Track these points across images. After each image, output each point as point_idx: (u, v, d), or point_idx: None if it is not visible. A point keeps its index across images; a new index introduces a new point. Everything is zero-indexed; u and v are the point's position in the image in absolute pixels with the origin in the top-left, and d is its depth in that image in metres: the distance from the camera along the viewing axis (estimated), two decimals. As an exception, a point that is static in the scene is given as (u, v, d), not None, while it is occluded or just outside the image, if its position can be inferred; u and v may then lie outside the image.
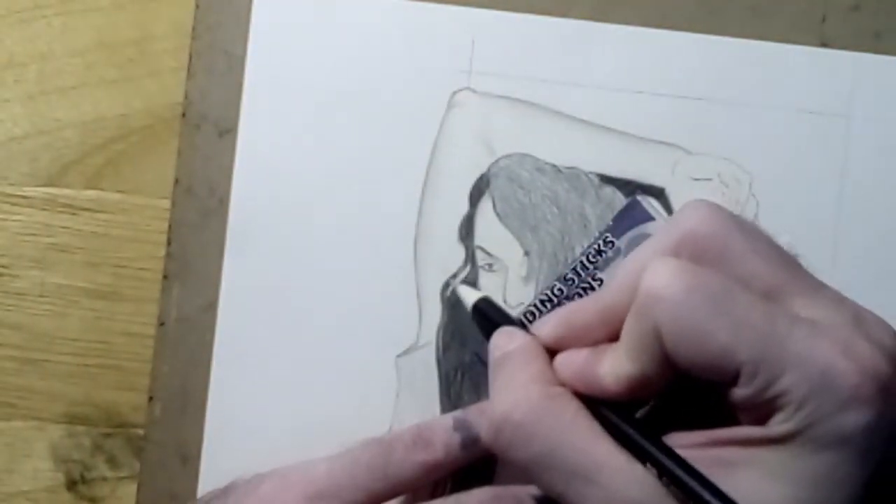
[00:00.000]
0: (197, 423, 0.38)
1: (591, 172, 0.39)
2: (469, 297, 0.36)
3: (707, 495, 0.26)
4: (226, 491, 0.34)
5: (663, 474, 0.27)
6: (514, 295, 0.39)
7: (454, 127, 0.39)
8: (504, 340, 0.32)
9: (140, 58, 0.40)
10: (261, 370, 0.38)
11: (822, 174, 0.39)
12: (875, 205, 0.39)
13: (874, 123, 0.39)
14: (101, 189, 0.40)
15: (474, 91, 0.39)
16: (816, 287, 0.29)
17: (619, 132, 0.39)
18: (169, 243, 0.39)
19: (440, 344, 0.39)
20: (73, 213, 0.40)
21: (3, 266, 0.39)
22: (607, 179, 0.39)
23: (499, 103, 0.39)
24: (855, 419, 0.26)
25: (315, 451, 0.38)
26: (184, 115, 0.40)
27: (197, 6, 0.40)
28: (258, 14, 0.40)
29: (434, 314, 0.39)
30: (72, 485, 0.39)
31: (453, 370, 0.39)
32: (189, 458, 0.38)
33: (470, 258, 0.39)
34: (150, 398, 0.39)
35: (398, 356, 0.39)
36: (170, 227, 0.39)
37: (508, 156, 0.39)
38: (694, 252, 0.29)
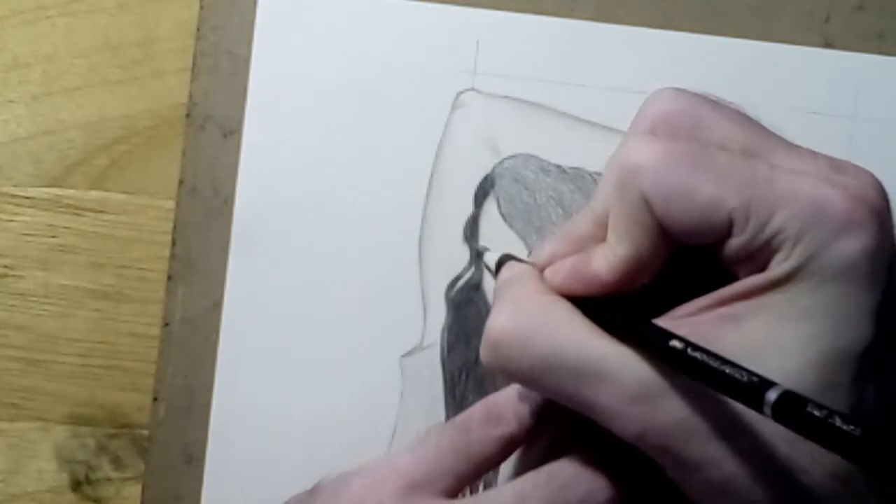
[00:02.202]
0: (202, 423, 0.38)
1: (595, 173, 0.39)
2: (491, 259, 0.35)
3: (710, 361, 0.26)
4: (312, 493, 0.33)
5: (661, 357, 0.27)
6: (518, 295, 0.39)
7: (459, 128, 0.39)
8: (505, 271, 0.33)
9: (144, 58, 0.40)
10: (265, 371, 0.38)
11: (826, 175, 0.39)
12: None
13: (878, 124, 0.39)
14: (106, 190, 0.40)
15: (479, 92, 0.39)
16: (790, 144, 0.29)
17: (623, 133, 0.39)
18: (173, 244, 0.39)
19: (445, 344, 0.39)
20: (78, 214, 0.40)
21: (7, 267, 0.39)
22: (612, 180, 0.39)
23: (503, 104, 0.39)
24: (853, 244, 0.26)
25: (320, 451, 0.38)
26: (188, 115, 0.40)
27: (201, 7, 0.40)
28: (262, 15, 0.40)
29: (439, 315, 0.39)
30: (76, 485, 0.39)
31: (458, 371, 0.39)
32: (194, 459, 0.38)
33: (475, 259, 0.39)
34: (155, 399, 0.39)
35: (403, 357, 0.39)
36: (174, 227, 0.39)
37: (513, 156, 0.39)
38: (668, 131, 0.29)
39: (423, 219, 0.39)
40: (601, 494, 0.29)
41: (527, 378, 0.29)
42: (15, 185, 0.40)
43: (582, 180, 0.39)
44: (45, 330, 0.39)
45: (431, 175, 0.39)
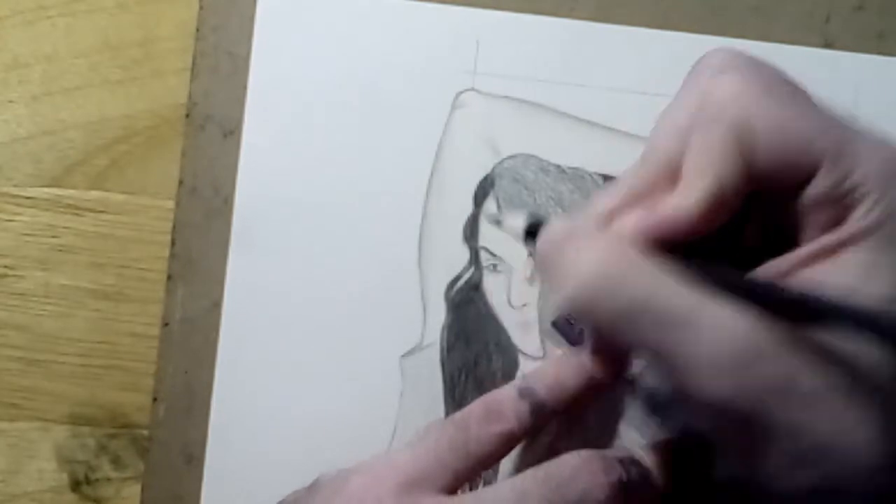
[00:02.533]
0: (201, 423, 0.38)
1: (594, 173, 0.39)
2: (517, 224, 0.31)
3: (820, 304, 0.24)
4: (311, 490, 0.33)
5: (762, 307, 0.25)
6: (518, 296, 0.39)
7: (458, 128, 0.39)
8: (551, 231, 0.29)
9: (144, 59, 0.40)
10: (265, 370, 0.38)
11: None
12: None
13: (878, 124, 0.39)
14: (106, 190, 0.40)
15: (479, 92, 0.39)
16: None
17: (622, 133, 0.39)
18: (173, 244, 0.39)
19: (444, 344, 0.39)
20: (78, 214, 0.40)
21: (7, 267, 0.39)
22: (611, 180, 0.39)
23: (503, 104, 0.39)
24: None
25: (320, 451, 0.38)
26: (188, 115, 0.40)
27: (201, 7, 0.40)
28: (262, 15, 0.40)
29: (438, 314, 0.39)
30: (76, 485, 0.39)
31: (457, 370, 0.39)
32: (193, 459, 0.38)
33: (474, 259, 0.39)
34: (155, 399, 0.39)
35: (402, 357, 0.39)
36: (174, 227, 0.39)
37: (513, 156, 0.39)
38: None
39: (423, 218, 0.39)
40: (600, 492, 0.29)
41: (613, 324, 0.27)
42: (15, 185, 0.40)
43: (581, 180, 0.39)
44: (46, 330, 0.39)
45: (431, 175, 0.39)
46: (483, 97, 0.39)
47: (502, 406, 0.32)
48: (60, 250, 0.40)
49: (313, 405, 0.38)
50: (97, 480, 0.39)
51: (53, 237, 0.40)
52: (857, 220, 0.26)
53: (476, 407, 0.32)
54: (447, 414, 0.38)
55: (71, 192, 0.40)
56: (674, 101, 0.29)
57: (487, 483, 0.36)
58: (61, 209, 0.40)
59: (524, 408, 0.31)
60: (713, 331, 0.25)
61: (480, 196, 0.39)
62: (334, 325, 0.39)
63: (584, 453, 0.30)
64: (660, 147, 0.29)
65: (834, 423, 0.25)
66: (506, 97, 0.39)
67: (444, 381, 0.39)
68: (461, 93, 0.39)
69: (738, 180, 0.27)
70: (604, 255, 0.27)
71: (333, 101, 0.39)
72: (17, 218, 0.40)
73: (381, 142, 0.39)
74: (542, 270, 0.29)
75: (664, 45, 0.40)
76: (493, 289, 0.39)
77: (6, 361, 0.39)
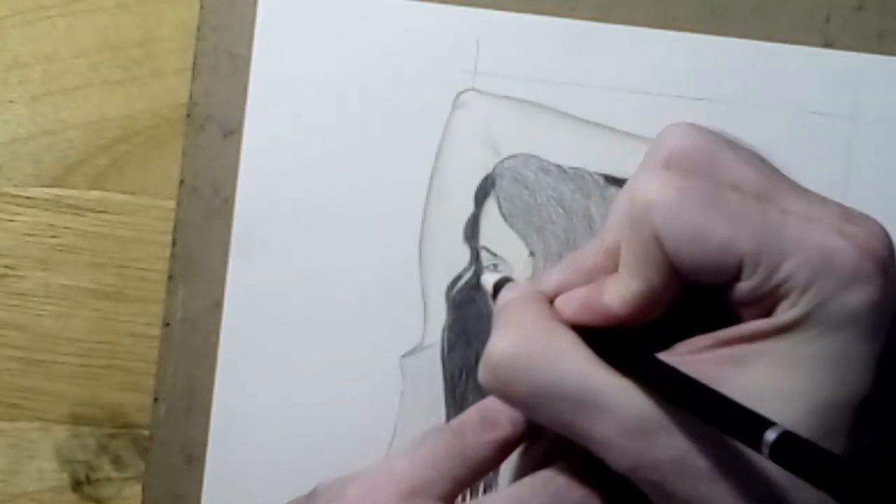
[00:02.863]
0: (202, 423, 0.38)
1: (596, 173, 0.39)
2: (489, 280, 0.36)
3: (709, 397, 0.26)
4: (309, 499, 0.33)
5: (659, 391, 0.27)
6: (518, 295, 0.39)
7: (459, 128, 0.39)
8: (506, 293, 0.33)
9: (145, 59, 0.40)
10: (266, 370, 0.38)
11: (826, 175, 0.39)
12: (880, 205, 0.39)
13: (878, 124, 0.39)
14: (106, 190, 0.40)
15: (479, 92, 0.39)
16: (801, 189, 0.30)
17: (623, 133, 0.39)
18: (174, 244, 0.39)
19: (445, 344, 0.39)
20: (78, 214, 0.40)
21: (7, 267, 0.39)
22: (612, 180, 0.39)
23: (504, 104, 0.39)
24: (859, 296, 0.26)
25: (320, 451, 0.38)
26: (188, 115, 0.40)
27: (202, 7, 0.40)
28: (263, 15, 0.40)
29: (439, 315, 0.39)
30: (77, 486, 0.39)
31: (458, 371, 0.39)
32: (194, 459, 0.38)
33: (475, 259, 0.39)
34: (156, 399, 0.39)
35: (403, 357, 0.39)
36: (175, 227, 0.39)
37: (513, 156, 0.39)
38: (682, 167, 0.29)
39: (424, 219, 0.39)
40: (596, 500, 0.29)
41: (524, 404, 0.29)
42: (15, 185, 0.40)
43: (582, 180, 0.39)
44: (46, 330, 0.39)
45: (432, 175, 0.39)
46: (484, 97, 0.39)
47: (498, 413, 0.32)
48: (61, 250, 0.40)
49: (314, 405, 0.38)
50: (98, 480, 0.39)
51: (54, 237, 0.40)
52: (781, 312, 0.27)
53: (472, 414, 0.32)
54: (448, 414, 0.38)
55: (71, 192, 0.40)
56: (633, 176, 0.30)
57: (488, 487, 0.36)
58: (61, 209, 0.40)
59: (519, 415, 0.32)
60: (615, 409, 0.27)
61: (481, 196, 0.39)
62: (335, 324, 0.39)
63: (581, 460, 0.30)
64: (609, 228, 0.30)
65: (727, 499, 0.26)
66: (506, 97, 0.39)
67: (445, 381, 0.39)
68: (462, 93, 0.39)
69: (667, 282, 0.28)
70: (521, 334, 0.29)
71: (334, 101, 0.39)
72: (18, 218, 0.40)
73: (381, 141, 0.39)
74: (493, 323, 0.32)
75: (665, 45, 0.40)
76: (494, 289, 0.39)
77: (6, 361, 0.39)
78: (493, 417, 0.32)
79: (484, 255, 0.39)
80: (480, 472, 0.32)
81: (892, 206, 0.39)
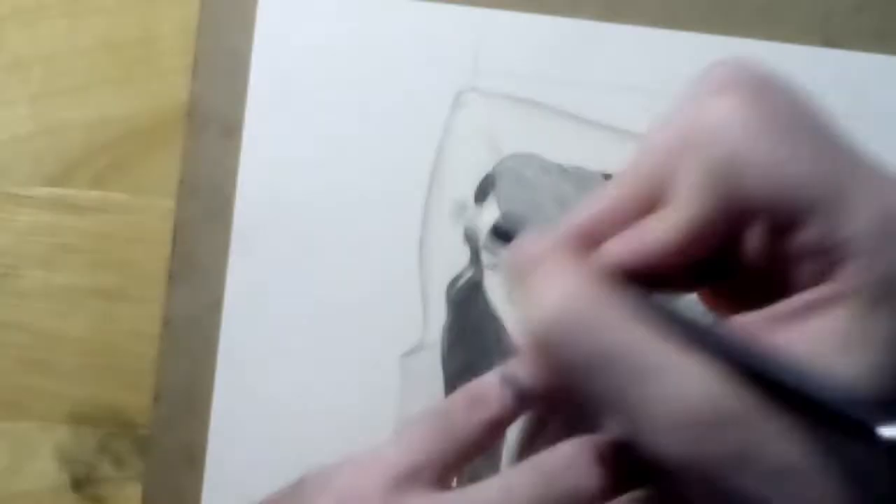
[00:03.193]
0: (202, 422, 0.38)
1: (596, 172, 0.39)
2: (487, 223, 0.33)
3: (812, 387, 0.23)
4: (296, 488, 0.33)
5: (736, 366, 0.24)
6: (519, 295, 0.39)
7: (460, 127, 0.39)
8: (530, 243, 0.28)
9: (145, 58, 0.40)
10: (265, 370, 0.38)
11: (826, 174, 0.39)
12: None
13: (878, 123, 0.39)
14: (107, 189, 0.40)
15: (480, 91, 0.39)
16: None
17: (625, 132, 0.39)
18: (174, 243, 0.39)
19: (445, 343, 0.39)
20: (79, 214, 0.40)
21: (8, 266, 0.39)
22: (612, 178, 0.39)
23: (504, 103, 0.39)
24: None
25: (319, 449, 0.38)
26: (189, 115, 0.40)
27: (202, 6, 0.40)
28: (263, 14, 0.40)
29: (439, 314, 0.39)
30: (77, 485, 0.39)
31: (458, 369, 0.39)
32: (194, 458, 0.38)
33: (475, 258, 0.39)
34: (155, 398, 0.39)
35: (403, 355, 0.39)
36: (175, 227, 0.39)
37: (514, 155, 0.39)
38: (751, 90, 0.26)
39: (424, 218, 0.39)
40: (588, 486, 0.29)
41: (573, 370, 0.26)
42: (16, 185, 0.40)
43: (583, 179, 0.39)
44: (46, 329, 0.39)
45: (432, 174, 0.39)
46: (484, 96, 0.39)
47: (485, 393, 0.31)
48: (61, 250, 0.40)
49: (314, 403, 0.38)
50: (98, 480, 0.39)
51: (54, 236, 0.40)
52: (842, 278, 0.24)
53: (459, 396, 0.31)
54: (448, 413, 0.38)
55: (72, 191, 0.40)
56: (667, 116, 0.27)
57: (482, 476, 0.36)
58: (62, 209, 0.40)
59: (507, 394, 0.31)
60: (680, 387, 0.24)
61: (481, 195, 0.39)
62: (335, 324, 0.39)
63: (573, 446, 0.29)
64: (645, 165, 0.27)
65: (783, 499, 0.24)
66: (507, 96, 0.39)
67: (445, 380, 0.39)
68: (462, 92, 0.39)
69: (726, 215, 0.25)
70: (572, 292, 0.26)
71: (334, 101, 0.39)
72: (19, 217, 0.40)
73: (382, 140, 0.39)
74: (511, 285, 0.28)
75: (666, 45, 0.40)
76: (494, 287, 0.39)
77: (6, 361, 0.39)
78: (480, 398, 0.31)
79: (484, 255, 0.39)
80: (471, 453, 0.31)
81: (893, 204, 0.39)
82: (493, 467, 0.34)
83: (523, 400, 0.31)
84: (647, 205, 0.27)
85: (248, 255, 0.39)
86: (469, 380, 0.38)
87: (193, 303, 0.39)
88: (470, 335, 0.39)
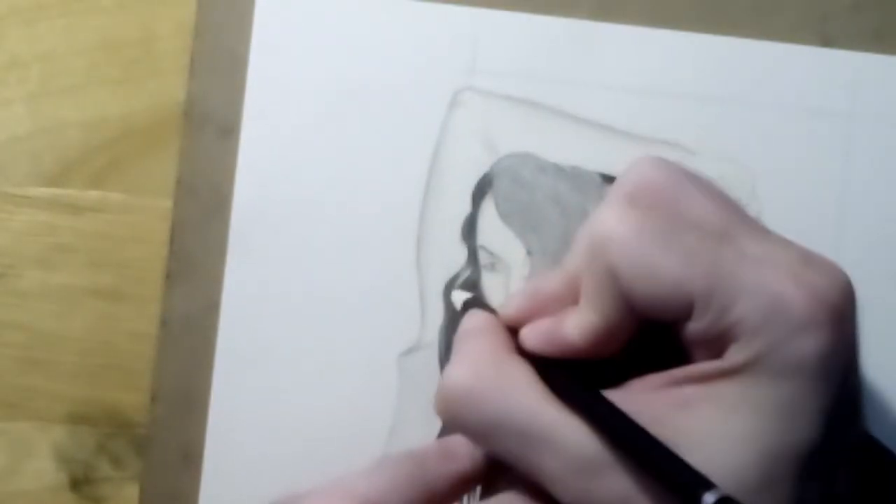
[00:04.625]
0: (200, 422, 0.38)
1: (593, 172, 0.39)
2: (459, 299, 0.37)
3: (652, 449, 0.26)
4: None
5: (603, 431, 0.27)
6: (516, 294, 0.39)
7: (456, 126, 0.39)
8: (467, 319, 0.33)
9: (143, 58, 0.40)
10: (263, 370, 0.39)
11: (824, 174, 0.39)
12: (878, 204, 0.39)
13: (876, 123, 0.39)
14: (104, 189, 0.40)
15: (477, 90, 0.39)
16: (764, 230, 0.30)
17: (621, 131, 0.39)
18: (172, 243, 0.39)
19: (442, 344, 0.39)
20: (76, 213, 0.40)
21: (5, 266, 0.39)
22: (610, 179, 0.39)
23: (501, 103, 0.39)
24: (810, 344, 0.26)
25: (318, 450, 0.38)
26: (186, 114, 0.40)
27: (199, 6, 0.40)
28: (260, 14, 0.40)
29: (436, 314, 0.39)
30: (75, 485, 0.39)
31: (456, 369, 0.39)
32: (192, 458, 0.38)
33: (472, 258, 0.39)
34: (153, 398, 0.39)
35: (400, 356, 0.39)
36: (172, 226, 0.39)
37: (511, 155, 0.39)
38: (645, 201, 0.29)
39: (421, 218, 0.39)
40: None
41: (475, 435, 0.30)
42: (13, 185, 0.40)
43: (580, 179, 0.39)
44: (44, 329, 0.39)
45: (429, 174, 0.39)
46: (481, 96, 0.39)
47: (458, 448, 0.32)
48: (59, 250, 0.40)
49: (311, 404, 0.38)
50: (96, 480, 0.39)
51: (52, 236, 0.40)
52: (730, 354, 0.27)
53: (434, 445, 0.33)
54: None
55: (69, 191, 0.40)
56: (596, 210, 0.30)
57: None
58: (60, 208, 0.40)
59: (478, 451, 0.32)
60: (563, 445, 0.27)
61: (478, 195, 0.39)
62: (332, 324, 0.39)
63: (535, 487, 0.30)
64: (572, 258, 0.31)
65: None
66: (504, 96, 0.39)
67: (443, 380, 0.39)
68: (459, 92, 0.39)
69: (623, 317, 0.29)
70: (475, 366, 0.30)
71: (331, 101, 0.39)
72: (16, 217, 0.40)
73: (378, 140, 0.39)
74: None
75: (663, 44, 0.40)
76: (492, 288, 0.39)
77: (4, 361, 0.39)
78: (452, 451, 0.32)
79: (481, 255, 0.39)
80: (439, 500, 0.32)
81: (891, 203, 0.39)
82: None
83: (493, 458, 0.32)
84: (574, 299, 0.30)
85: (245, 255, 0.39)
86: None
87: (191, 302, 0.39)
88: (467, 335, 0.39)
